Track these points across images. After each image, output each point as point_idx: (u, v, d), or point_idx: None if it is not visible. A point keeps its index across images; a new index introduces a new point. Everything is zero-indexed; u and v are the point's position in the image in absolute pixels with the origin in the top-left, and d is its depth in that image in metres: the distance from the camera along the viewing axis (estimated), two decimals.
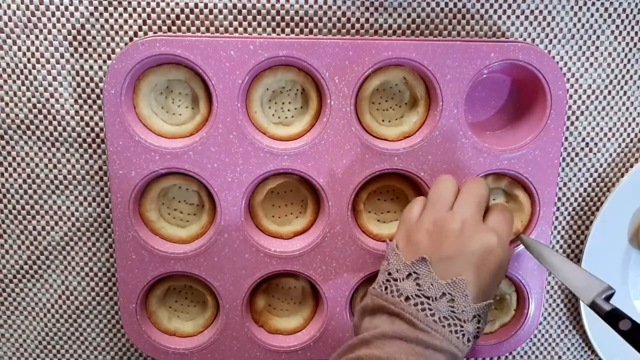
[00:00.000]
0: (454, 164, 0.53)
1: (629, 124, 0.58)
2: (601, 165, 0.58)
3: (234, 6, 0.52)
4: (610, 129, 0.57)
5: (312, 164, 0.53)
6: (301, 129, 0.54)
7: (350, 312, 0.58)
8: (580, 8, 0.54)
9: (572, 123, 0.57)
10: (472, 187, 0.48)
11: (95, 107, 0.53)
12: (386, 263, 0.47)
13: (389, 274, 0.46)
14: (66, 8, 0.51)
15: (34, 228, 0.56)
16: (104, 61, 0.52)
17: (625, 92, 0.57)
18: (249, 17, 0.52)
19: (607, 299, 0.44)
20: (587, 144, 0.58)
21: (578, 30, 0.54)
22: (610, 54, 0.55)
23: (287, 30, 0.53)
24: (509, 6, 0.53)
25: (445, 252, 0.44)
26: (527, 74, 0.52)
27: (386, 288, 0.45)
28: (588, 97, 0.56)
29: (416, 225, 0.47)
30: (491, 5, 0.53)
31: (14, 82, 0.52)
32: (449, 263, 0.44)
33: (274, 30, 0.53)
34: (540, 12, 0.54)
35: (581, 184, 0.59)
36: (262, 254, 0.54)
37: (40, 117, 0.53)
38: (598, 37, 0.55)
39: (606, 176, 0.59)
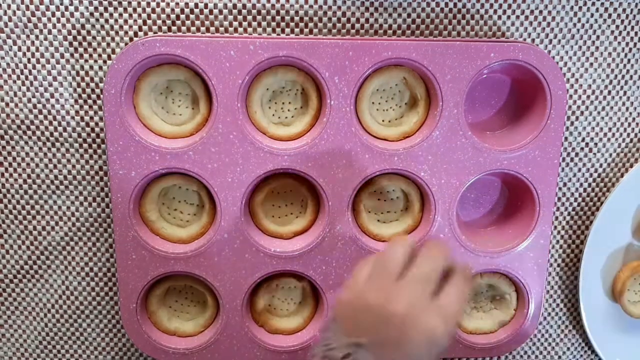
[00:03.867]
0: (454, 164, 0.53)
1: (629, 124, 0.58)
2: (601, 166, 0.58)
3: (234, 6, 0.52)
4: (610, 129, 0.57)
5: (312, 164, 0.53)
6: (301, 129, 0.54)
7: None
8: (580, 8, 0.54)
9: (572, 123, 0.57)
10: (427, 259, 0.42)
11: (95, 107, 0.53)
12: (328, 334, 0.42)
13: (328, 348, 0.41)
14: (66, 8, 0.51)
15: (34, 228, 0.56)
16: (104, 61, 0.52)
17: (625, 92, 0.57)
18: (249, 17, 0.52)
19: None
20: (587, 144, 0.58)
21: (578, 30, 0.54)
22: (610, 54, 0.55)
23: (287, 30, 0.53)
24: (509, 6, 0.53)
25: (385, 338, 0.39)
26: (527, 74, 0.52)
27: None
28: (588, 97, 0.56)
29: (359, 296, 0.42)
30: (491, 5, 0.53)
31: (14, 82, 0.52)
32: (387, 351, 0.39)
33: (274, 30, 0.53)
34: (540, 12, 0.53)
35: (581, 184, 0.59)
36: (262, 254, 0.54)
37: (40, 117, 0.53)
38: (598, 37, 0.55)
39: (606, 176, 0.59)
